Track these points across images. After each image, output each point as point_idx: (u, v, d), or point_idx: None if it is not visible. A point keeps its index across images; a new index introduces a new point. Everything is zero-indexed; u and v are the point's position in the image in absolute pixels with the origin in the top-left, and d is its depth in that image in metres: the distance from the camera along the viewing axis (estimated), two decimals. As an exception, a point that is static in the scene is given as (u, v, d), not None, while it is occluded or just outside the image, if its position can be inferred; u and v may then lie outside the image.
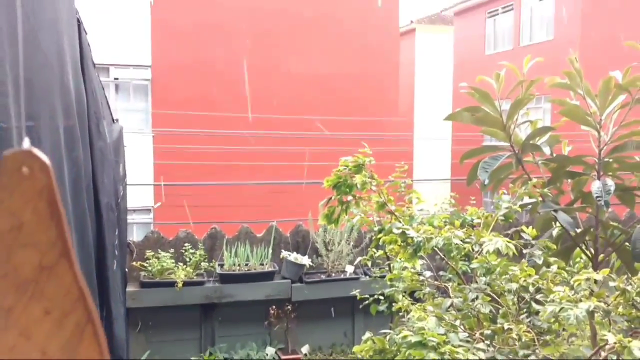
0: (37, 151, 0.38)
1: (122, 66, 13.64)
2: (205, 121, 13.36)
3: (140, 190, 11.71)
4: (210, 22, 13.84)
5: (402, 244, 2.65)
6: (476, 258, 2.48)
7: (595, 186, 2.84)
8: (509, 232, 2.84)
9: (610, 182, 2.85)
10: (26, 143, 0.38)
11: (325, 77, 14.57)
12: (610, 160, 3.12)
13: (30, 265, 0.37)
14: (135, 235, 11.64)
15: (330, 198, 2.90)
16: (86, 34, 2.89)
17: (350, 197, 2.87)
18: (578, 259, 3.50)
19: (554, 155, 3.20)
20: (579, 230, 3.23)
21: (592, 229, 3.18)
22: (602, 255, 3.21)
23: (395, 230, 2.52)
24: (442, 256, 2.57)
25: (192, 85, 13.77)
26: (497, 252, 2.35)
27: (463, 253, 2.49)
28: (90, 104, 2.67)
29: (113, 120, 4.70)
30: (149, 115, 13.90)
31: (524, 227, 3.34)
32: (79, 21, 2.66)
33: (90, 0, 12.75)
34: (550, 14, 18.20)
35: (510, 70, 3.14)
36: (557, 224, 3.17)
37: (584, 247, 3.18)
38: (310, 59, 14.46)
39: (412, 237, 2.49)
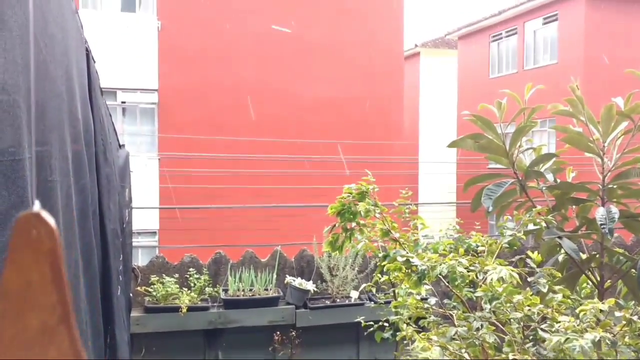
0: (45, 214, 0.39)
1: (130, 90, 13.79)
2: (211, 144, 13.45)
3: (145, 213, 11.75)
4: (216, 46, 14.02)
5: (406, 271, 2.65)
6: (481, 286, 2.48)
7: (599, 213, 2.84)
8: (514, 259, 2.83)
9: (615, 209, 2.85)
10: (36, 205, 0.40)
11: (330, 101, 14.68)
12: (615, 186, 3.12)
13: (35, 327, 0.38)
14: (140, 259, 11.64)
15: (335, 225, 2.91)
16: (94, 62, 2.95)
17: (354, 224, 2.88)
18: (584, 285, 3.48)
19: (558, 181, 3.20)
20: (584, 257, 3.22)
21: (597, 256, 3.17)
22: (608, 282, 3.19)
23: (399, 258, 2.52)
24: (447, 284, 2.56)
25: (198, 108, 13.89)
26: (502, 279, 2.35)
27: (467, 281, 2.49)
28: (97, 131, 2.71)
29: (119, 145, 4.74)
30: (155, 138, 14.00)
31: (529, 253, 3.33)
32: (87, 50, 2.72)
33: (99, 26, 12.97)
34: (554, 38, 18.33)
35: (513, 96, 3.16)
36: (563, 250, 3.16)
37: (589, 273, 3.17)
38: (315, 83, 14.59)
39: (416, 265, 2.48)
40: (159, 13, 13.86)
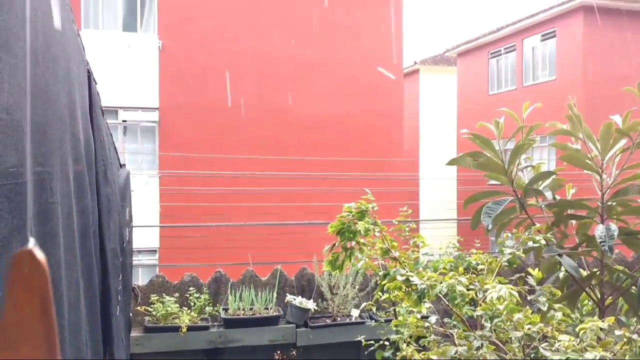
0: (37, 252, 0.41)
1: (131, 109, 13.87)
2: (211, 162, 13.48)
3: (146, 231, 11.74)
4: (216, 65, 14.12)
5: (406, 289, 2.65)
6: (481, 305, 2.47)
7: (598, 231, 2.84)
8: (513, 278, 2.83)
9: (614, 227, 2.85)
10: (31, 242, 0.41)
11: (330, 118, 14.75)
12: (614, 203, 3.13)
13: (25, 357, 0.39)
14: (140, 278, 11.61)
15: (335, 244, 2.91)
16: (96, 84, 2.98)
17: (354, 243, 2.88)
18: (586, 302, 3.47)
19: (557, 199, 3.21)
20: (585, 274, 3.22)
21: (597, 273, 3.17)
22: (609, 299, 3.19)
23: (399, 277, 2.52)
24: (447, 302, 2.56)
25: (198, 126, 13.95)
26: (502, 298, 2.35)
27: (467, 300, 2.49)
28: (98, 152, 2.74)
29: (120, 165, 4.76)
30: (156, 156, 14.05)
31: (530, 270, 3.33)
32: (89, 72, 2.75)
33: (101, 45, 13.09)
34: (553, 54, 18.46)
35: (513, 110, 3.19)
36: (563, 267, 3.16)
37: (590, 291, 3.16)
38: (315, 100, 14.67)
39: (415, 284, 2.48)
40: (160, 33, 13.99)
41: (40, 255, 0.40)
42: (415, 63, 24.76)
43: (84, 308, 1.81)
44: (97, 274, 2.33)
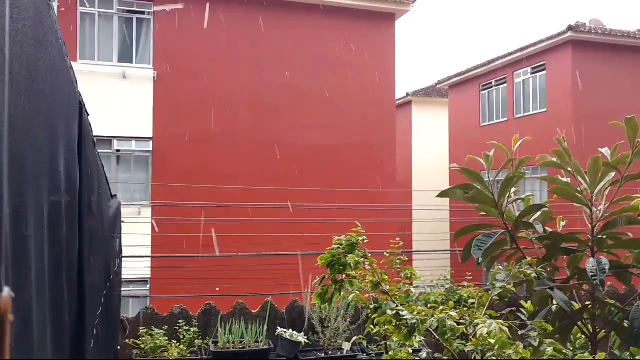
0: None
1: (125, 139, 13.89)
2: (204, 192, 13.45)
3: (137, 261, 11.61)
4: (211, 95, 14.22)
5: (397, 324, 2.62)
6: (471, 340, 2.44)
7: (589, 265, 2.83)
8: (504, 312, 2.80)
9: (605, 261, 2.84)
10: (5, 292, 0.40)
11: (323, 149, 14.81)
12: (604, 236, 3.12)
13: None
14: (130, 309, 11.43)
15: (324, 277, 2.88)
16: (88, 115, 2.98)
17: (344, 276, 2.86)
18: (579, 335, 3.44)
19: (548, 232, 3.21)
20: (577, 306, 3.19)
21: (589, 306, 3.15)
22: (602, 333, 3.16)
23: (389, 312, 2.49)
24: (437, 338, 2.52)
25: (192, 156, 13.96)
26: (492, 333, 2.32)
27: (458, 334, 2.45)
28: (84, 184, 2.72)
29: (112, 195, 4.73)
30: (149, 186, 14.00)
31: (522, 302, 3.30)
32: (81, 104, 2.76)
33: (97, 76, 13.17)
34: (543, 87, 18.72)
35: (503, 143, 3.21)
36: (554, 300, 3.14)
37: (582, 325, 3.14)
38: (308, 131, 14.75)
39: (406, 319, 2.45)
40: (155, 63, 14.11)
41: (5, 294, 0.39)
42: (408, 95, 25.03)
43: (51, 343, 1.78)
44: (71, 308, 2.29)
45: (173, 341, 5.52)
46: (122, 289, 5.56)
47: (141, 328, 5.57)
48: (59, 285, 1.92)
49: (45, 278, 1.62)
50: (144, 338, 5.46)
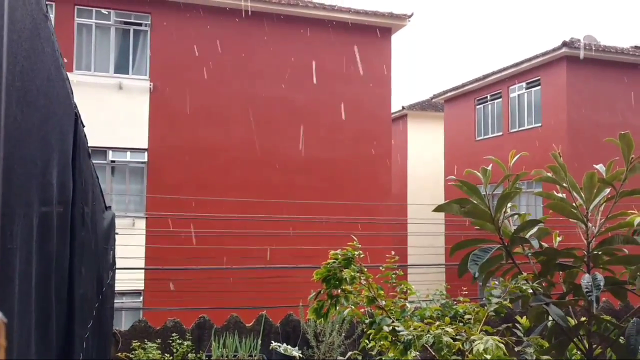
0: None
1: (120, 150, 13.86)
2: (199, 204, 13.41)
3: (131, 273, 11.53)
4: (207, 108, 14.23)
5: (392, 339, 2.60)
6: (467, 356, 2.42)
7: (585, 281, 2.82)
8: (500, 328, 2.78)
9: (600, 277, 2.84)
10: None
11: (319, 162, 14.82)
12: (600, 252, 3.12)
13: None
14: (123, 321, 11.34)
15: (320, 291, 2.86)
16: (84, 126, 2.97)
17: (340, 291, 2.84)
18: (575, 351, 3.42)
19: (544, 247, 3.20)
20: (573, 322, 3.18)
21: (585, 323, 3.13)
22: (598, 349, 3.14)
23: (385, 328, 2.47)
24: (433, 354, 2.50)
25: (187, 168, 13.94)
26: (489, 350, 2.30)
27: (454, 351, 2.44)
28: (77, 196, 2.71)
29: (105, 207, 4.70)
30: (143, 197, 13.95)
31: (518, 317, 3.28)
32: (76, 115, 2.75)
33: (93, 87, 13.16)
34: (538, 102, 18.82)
35: (498, 157, 3.21)
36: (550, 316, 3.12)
37: (578, 341, 3.12)
38: (304, 145, 14.76)
39: (402, 334, 2.43)
40: (152, 75, 14.12)
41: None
42: (404, 108, 25.11)
43: (35, 355, 1.76)
44: (60, 321, 2.27)
45: (166, 355, 5.47)
46: (115, 301, 5.51)
47: (134, 341, 5.52)
48: (47, 297, 1.90)
49: (32, 291, 1.60)
50: (136, 351, 5.40)
